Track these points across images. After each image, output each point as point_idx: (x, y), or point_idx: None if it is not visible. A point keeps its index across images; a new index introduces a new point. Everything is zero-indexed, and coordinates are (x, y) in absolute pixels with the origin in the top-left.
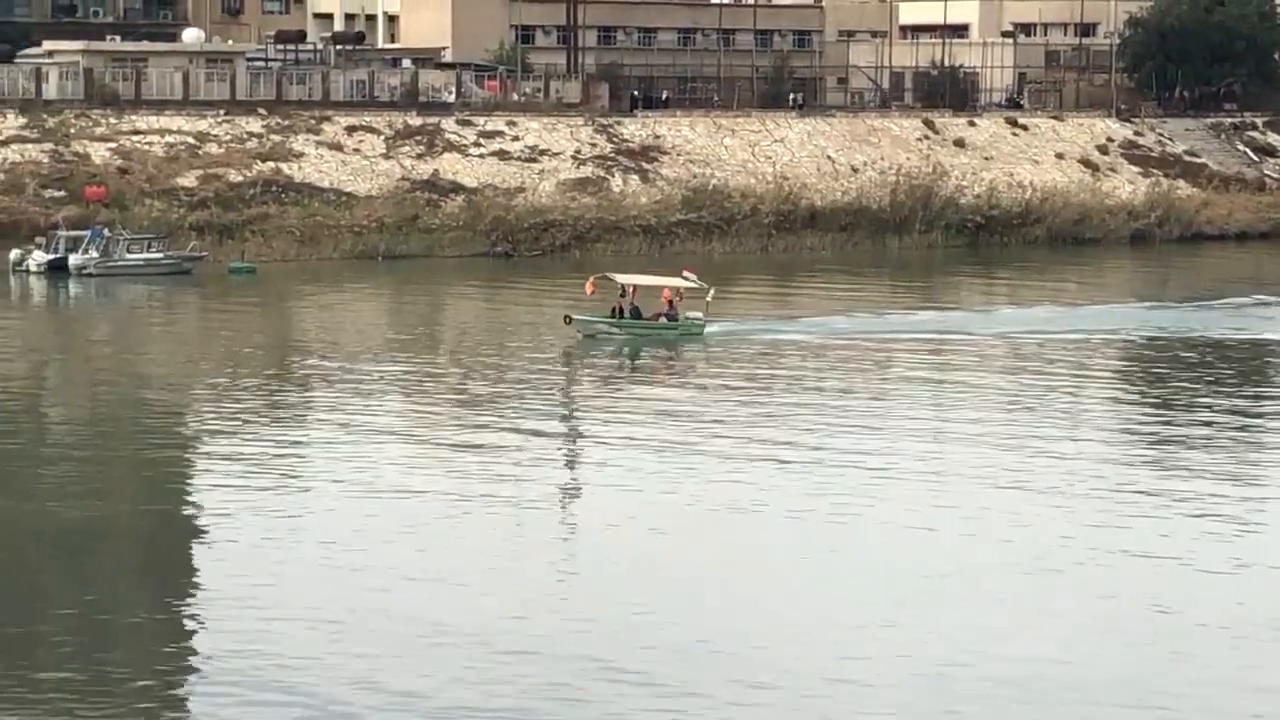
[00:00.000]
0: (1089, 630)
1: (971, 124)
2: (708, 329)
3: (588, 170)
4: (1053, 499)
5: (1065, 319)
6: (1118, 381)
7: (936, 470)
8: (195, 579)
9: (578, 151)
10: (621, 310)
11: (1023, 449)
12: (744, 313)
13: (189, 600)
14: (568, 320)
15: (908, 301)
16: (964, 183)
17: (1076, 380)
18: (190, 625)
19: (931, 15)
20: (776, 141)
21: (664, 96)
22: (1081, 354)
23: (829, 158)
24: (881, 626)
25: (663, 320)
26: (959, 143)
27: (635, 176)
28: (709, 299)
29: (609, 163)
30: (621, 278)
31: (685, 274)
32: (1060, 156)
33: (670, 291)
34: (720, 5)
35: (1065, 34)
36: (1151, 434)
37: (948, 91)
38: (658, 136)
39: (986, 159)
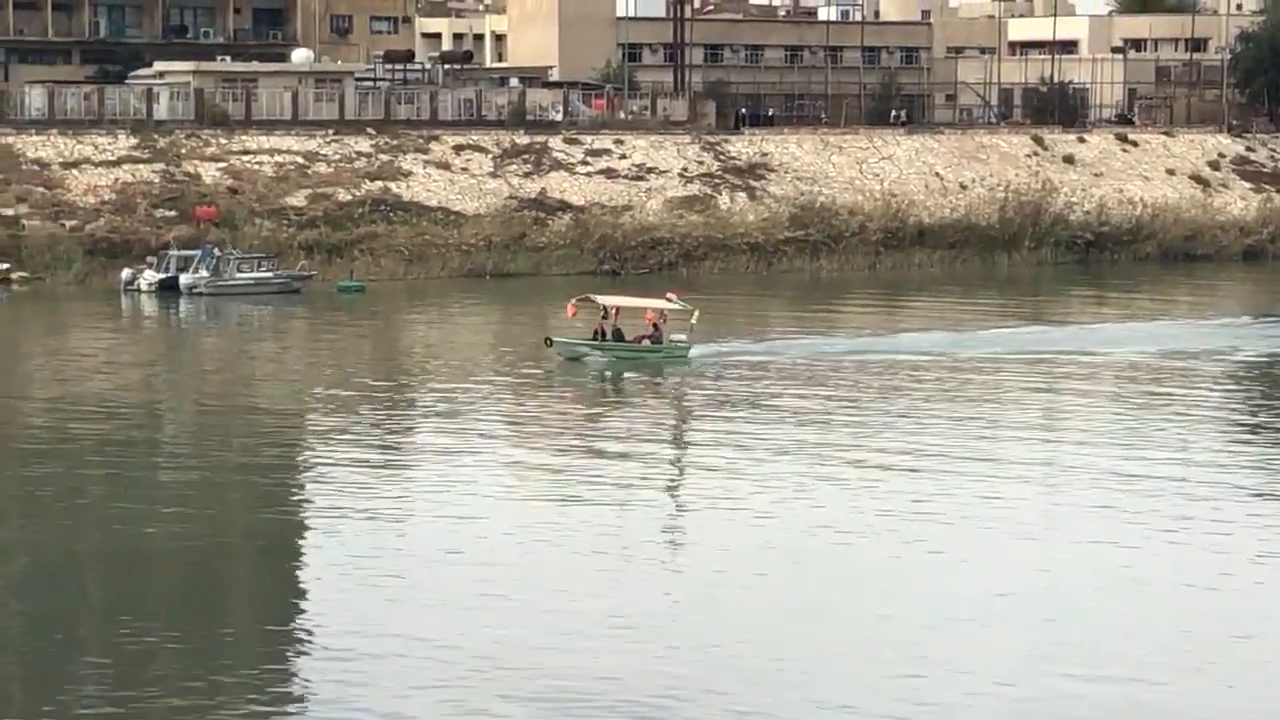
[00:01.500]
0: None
1: (1081, 140)
2: (692, 351)
3: (695, 188)
4: (1161, 520)
5: (1178, 336)
6: (1233, 398)
7: (1050, 487)
8: (301, 594)
9: (685, 169)
10: (604, 332)
11: (1138, 465)
12: (853, 328)
13: (294, 614)
14: (548, 343)
15: (1018, 316)
16: (1073, 199)
17: (1193, 398)
18: (297, 637)
19: (1041, 31)
20: (884, 158)
21: (770, 114)
22: (1195, 372)
23: (937, 174)
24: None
25: (646, 343)
26: (1068, 159)
27: (742, 194)
28: (693, 321)
29: (716, 180)
30: (603, 299)
31: (669, 296)
32: (1171, 172)
33: (654, 314)
34: (828, 23)
35: (1176, 49)
36: (1262, 454)
37: (1057, 108)
38: (765, 154)
39: (1096, 175)
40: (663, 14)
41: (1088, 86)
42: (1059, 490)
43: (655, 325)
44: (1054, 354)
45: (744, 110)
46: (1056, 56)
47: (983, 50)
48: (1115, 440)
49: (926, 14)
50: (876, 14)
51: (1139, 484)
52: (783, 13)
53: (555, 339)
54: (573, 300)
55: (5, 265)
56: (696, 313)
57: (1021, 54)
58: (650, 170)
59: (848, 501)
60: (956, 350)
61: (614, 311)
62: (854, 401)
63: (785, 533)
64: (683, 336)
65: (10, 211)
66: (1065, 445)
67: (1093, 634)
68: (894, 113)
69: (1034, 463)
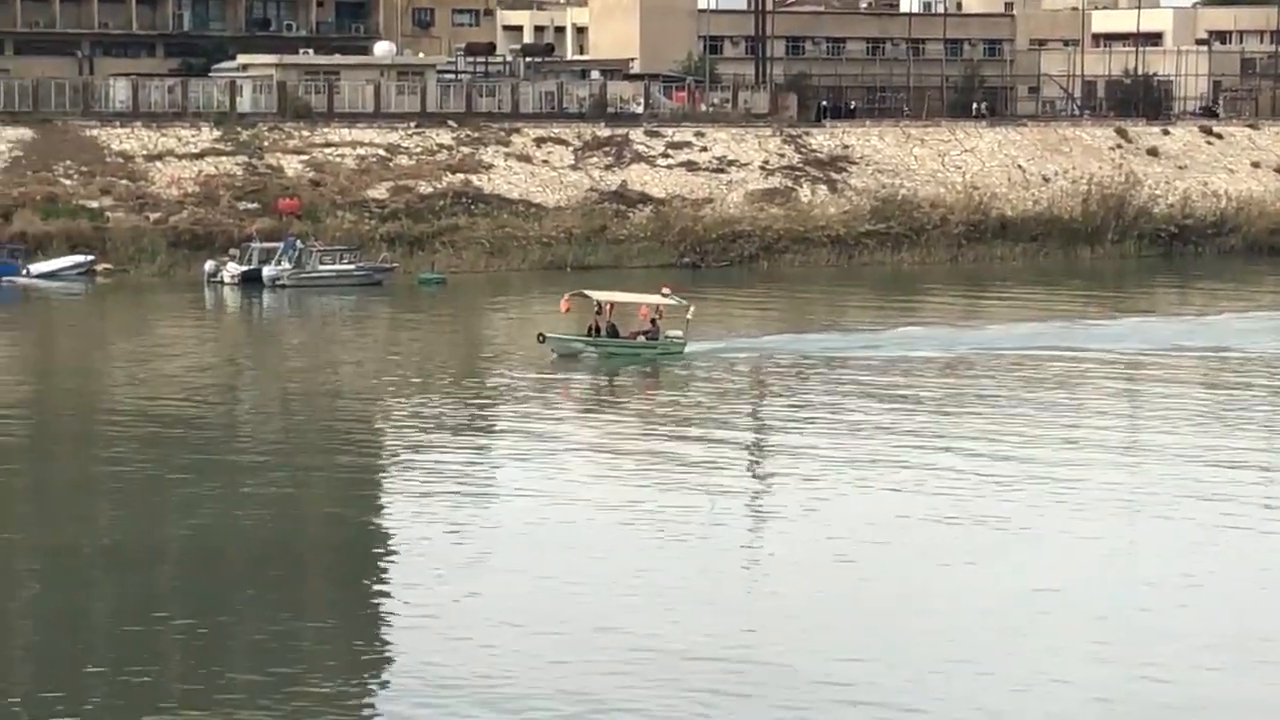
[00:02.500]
0: None
1: (1165, 133)
2: (687, 347)
3: (776, 181)
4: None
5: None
6: None
7: (1137, 483)
8: (383, 586)
9: (766, 162)
10: (598, 328)
11: (1219, 464)
12: (934, 320)
13: (378, 607)
14: (541, 339)
15: (1105, 308)
16: (1157, 192)
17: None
18: (379, 630)
19: (1125, 24)
20: (966, 151)
21: (852, 106)
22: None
23: (1020, 167)
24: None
25: (641, 339)
26: (1152, 152)
27: (824, 187)
28: (689, 317)
29: (797, 173)
30: (597, 295)
31: (664, 291)
32: (1256, 165)
33: (648, 309)
34: (910, 15)
35: (1261, 41)
36: None
37: (1141, 100)
38: (846, 146)
39: (1180, 168)
40: (744, 6)
41: (1172, 79)
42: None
43: (653, 321)
44: (1195, 351)
45: (825, 103)
46: (1141, 49)
47: (1066, 42)
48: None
49: (1009, 6)
50: (959, 6)
51: (1233, 473)
52: (865, 5)
53: (548, 335)
54: (566, 295)
55: (90, 257)
56: (692, 308)
57: (1105, 46)
58: (731, 163)
59: (928, 490)
60: (1066, 343)
61: (608, 307)
62: (930, 393)
63: (861, 519)
64: (679, 332)
65: (95, 204)
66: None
67: (1190, 629)
68: (975, 105)
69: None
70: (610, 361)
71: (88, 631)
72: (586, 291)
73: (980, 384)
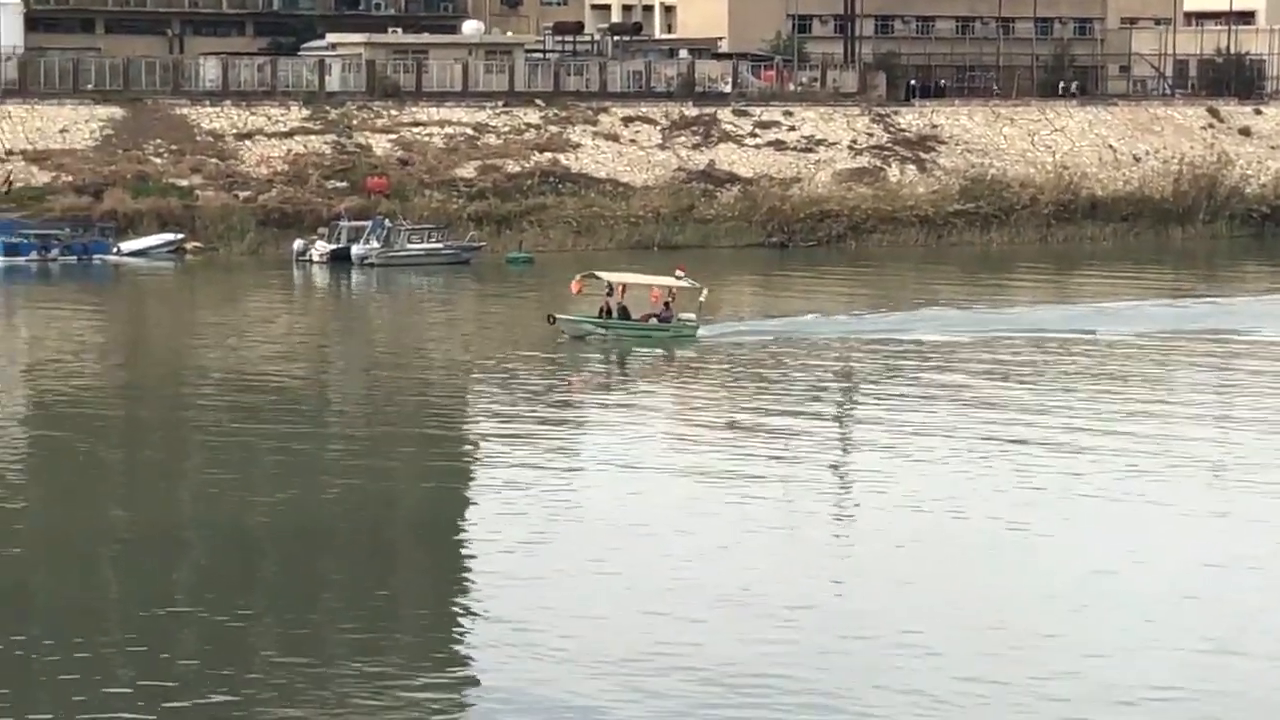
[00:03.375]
0: None
1: (1258, 112)
2: (700, 330)
3: (864, 160)
4: None
5: None
6: None
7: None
8: (472, 559)
9: (854, 141)
10: (609, 310)
11: None
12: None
13: (468, 578)
14: (551, 320)
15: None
16: (1249, 172)
17: None
18: (469, 602)
19: (1217, 2)
20: (1056, 130)
21: (941, 85)
22: None
23: (1110, 147)
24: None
25: (653, 321)
26: (1244, 131)
27: (912, 166)
28: (702, 299)
29: (886, 152)
30: (608, 275)
31: (678, 273)
32: None
33: (661, 291)
34: None
35: None
36: None
37: (1233, 79)
38: (935, 126)
39: (1273, 148)
40: None
41: (1265, 58)
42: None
43: (667, 304)
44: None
45: (914, 82)
46: (1233, 27)
47: (1157, 21)
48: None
49: None
50: None
51: None
52: None
53: (558, 316)
54: (577, 276)
55: (180, 236)
56: (705, 290)
57: (1197, 25)
58: (819, 142)
59: (1010, 481)
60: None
61: (620, 289)
62: (1012, 379)
63: (944, 511)
64: (691, 315)
65: (185, 182)
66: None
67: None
68: (1065, 84)
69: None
70: (620, 344)
71: (177, 609)
72: (598, 273)
73: (1071, 363)
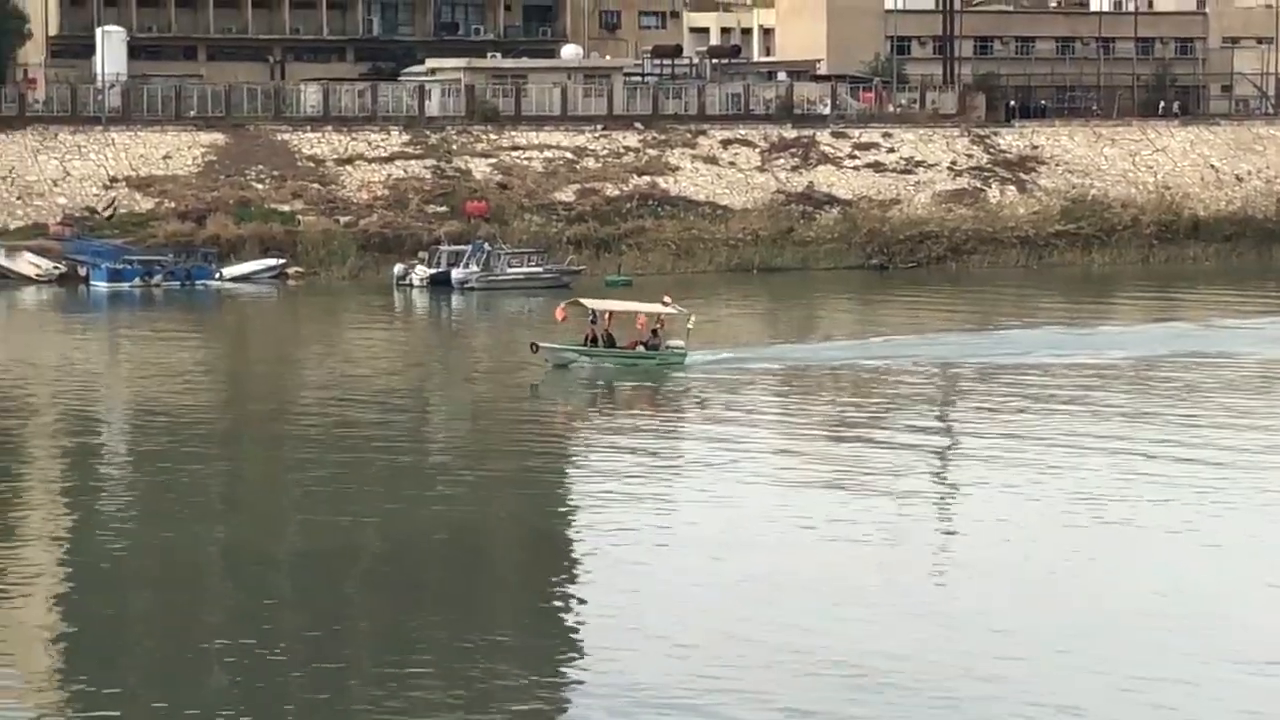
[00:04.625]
0: None
1: None
2: (689, 358)
3: (964, 181)
4: None
5: None
6: None
7: None
8: (568, 585)
9: (954, 162)
10: (594, 338)
11: None
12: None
13: (563, 608)
14: (534, 348)
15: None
16: None
17: None
18: (571, 613)
19: None
20: (1158, 151)
21: (1042, 106)
22: None
23: (1212, 167)
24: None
25: (640, 348)
26: None
27: (1012, 187)
28: (690, 326)
29: (986, 173)
30: (591, 303)
31: (665, 300)
32: None
33: (647, 318)
34: (1100, 13)
35: None
36: None
37: None
38: (1035, 146)
39: None
40: (932, 6)
41: None
42: None
43: (655, 332)
44: None
45: (1014, 102)
46: None
47: (1260, 40)
48: None
49: (1202, 3)
50: (1150, 4)
51: None
52: (1055, 4)
53: (541, 344)
54: (562, 304)
55: (281, 261)
56: (693, 317)
57: None
58: (919, 163)
59: (1120, 491)
60: None
61: (606, 316)
62: (1115, 395)
63: (1054, 522)
64: (680, 342)
65: (286, 207)
66: None
67: None
68: (1166, 104)
69: None
70: (606, 372)
71: (277, 633)
72: (582, 300)
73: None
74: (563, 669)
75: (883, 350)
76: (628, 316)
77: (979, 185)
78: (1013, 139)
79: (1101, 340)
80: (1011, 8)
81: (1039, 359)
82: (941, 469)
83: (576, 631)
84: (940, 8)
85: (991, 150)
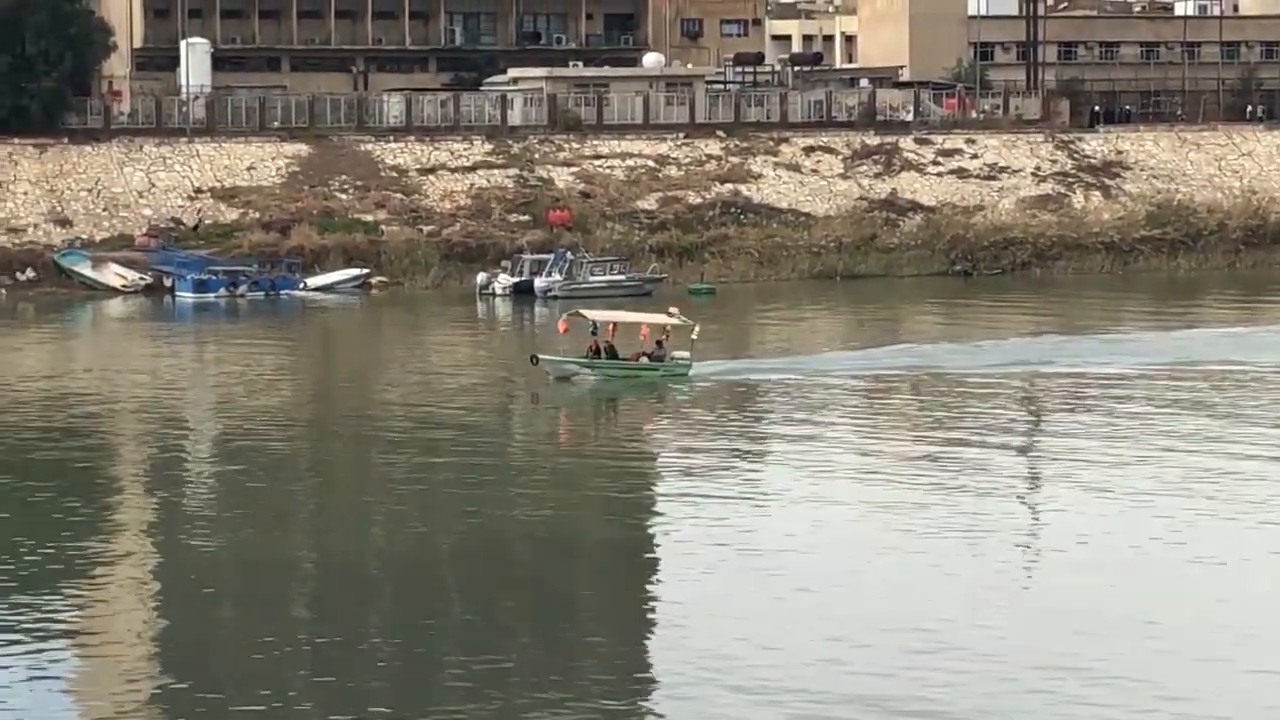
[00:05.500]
0: None
1: None
2: (692, 369)
3: (1048, 187)
4: None
5: None
6: None
7: None
8: (657, 589)
9: (1038, 168)
10: (598, 349)
11: None
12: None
13: (652, 606)
14: (534, 360)
15: None
16: None
17: None
18: (654, 631)
19: None
20: (1244, 155)
21: (1126, 111)
22: None
23: None
24: None
25: (644, 360)
26: None
27: (1097, 193)
28: (694, 337)
29: (1070, 179)
30: (592, 314)
31: (670, 310)
32: None
33: (649, 329)
34: (1185, 17)
35: None
36: None
37: None
38: (1120, 152)
39: None
40: (1015, 12)
41: None
42: None
43: (660, 343)
44: None
45: (1098, 108)
46: None
47: None
48: None
49: None
50: (1235, 8)
51: None
52: (1139, 8)
53: (541, 356)
54: (564, 316)
55: (365, 271)
56: (697, 328)
57: None
58: (1002, 169)
59: (1196, 509)
60: None
61: (610, 328)
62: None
63: (1140, 537)
64: (685, 353)
65: (370, 217)
66: None
67: None
68: (1252, 108)
69: None
70: (609, 384)
71: (371, 635)
72: (583, 312)
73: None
74: (656, 666)
75: (975, 357)
76: (635, 328)
77: (1063, 191)
78: (1097, 144)
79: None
80: (1095, 13)
81: (1134, 363)
82: (1069, 473)
83: (667, 629)
84: (1023, 13)
85: (1076, 156)
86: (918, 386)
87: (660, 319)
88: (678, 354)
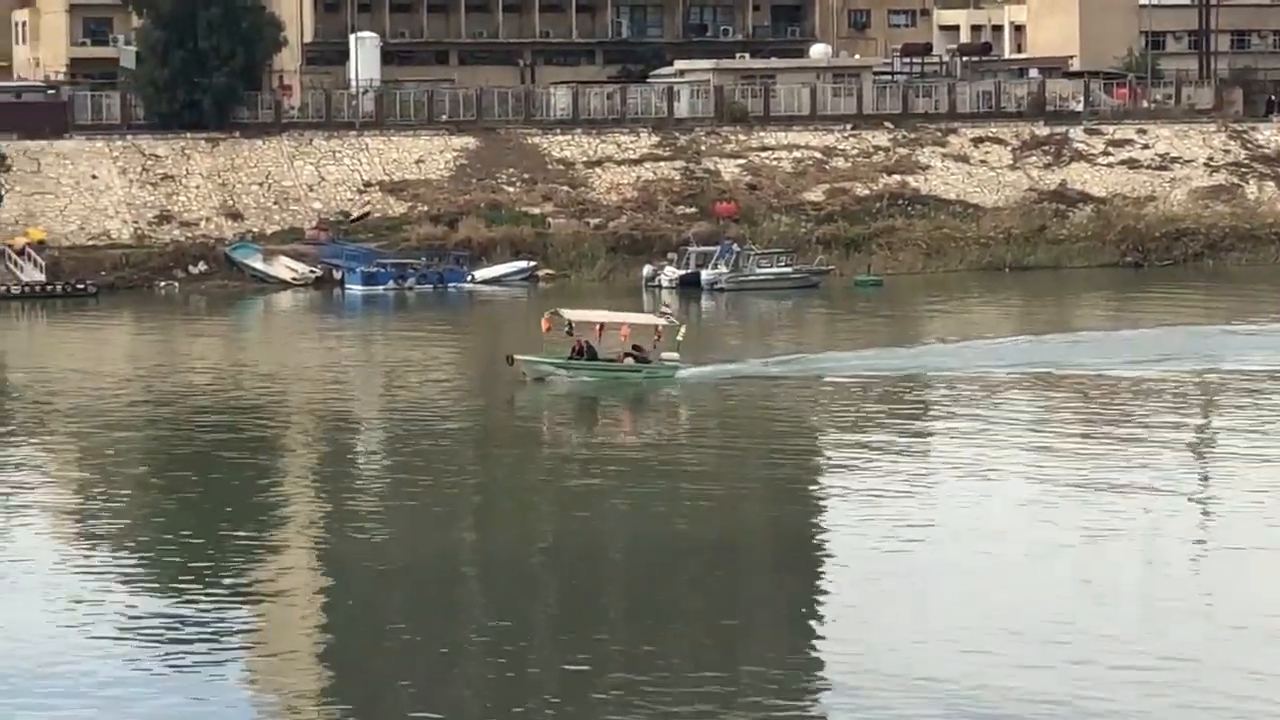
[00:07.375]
0: None
1: None
2: (679, 372)
3: (1221, 178)
4: None
5: None
6: None
7: None
8: (816, 590)
9: (1210, 159)
10: (580, 350)
11: None
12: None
13: (819, 597)
14: (510, 361)
15: None
16: None
17: None
18: (816, 631)
19: None
20: None
21: None
22: None
23: None
24: None
25: (628, 360)
26: None
27: (1271, 183)
28: (680, 338)
29: (1243, 169)
30: (570, 313)
31: (662, 309)
32: None
33: (630, 330)
34: None
35: None
36: None
37: None
38: None
39: None
40: (1187, 0)
41: None
42: None
43: (638, 346)
44: None
45: (1273, 97)
46: None
47: None
48: None
49: None
50: None
51: None
52: None
53: (517, 356)
54: (546, 314)
55: (532, 263)
56: (683, 329)
57: None
58: (1174, 160)
59: None
60: None
61: (598, 328)
62: None
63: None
64: (674, 355)
65: (537, 210)
66: None
67: None
68: None
69: None
70: (588, 385)
71: (536, 634)
72: (563, 311)
73: None
74: (820, 667)
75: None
76: (632, 328)
77: (1236, 181)
78: (1271, 134)
79: None
80: (1270, 1)
81: None
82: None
83: (832, 631)
84: (1196, 1)
85: (1249, 146)
86: (1084, 387)
87: (649, 319)
88: (666, 356)
